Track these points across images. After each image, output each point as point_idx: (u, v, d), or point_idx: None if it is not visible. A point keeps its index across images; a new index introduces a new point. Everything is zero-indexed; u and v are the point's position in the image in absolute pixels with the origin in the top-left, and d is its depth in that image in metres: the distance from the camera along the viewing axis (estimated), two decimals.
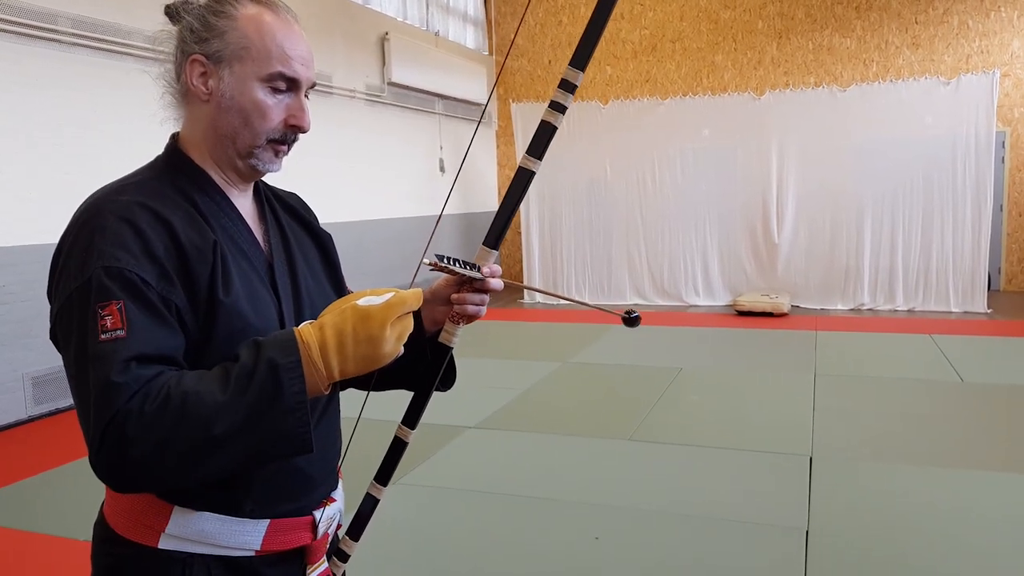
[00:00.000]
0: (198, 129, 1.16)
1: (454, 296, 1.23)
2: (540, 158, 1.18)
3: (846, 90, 8.82)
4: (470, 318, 1.23)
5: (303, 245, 1.29)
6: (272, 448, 1.01)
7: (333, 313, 1.05)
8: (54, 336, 1.09)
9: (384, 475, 1.27)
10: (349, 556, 1.30)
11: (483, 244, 1.19)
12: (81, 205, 1.10)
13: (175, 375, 1.00)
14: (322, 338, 1.02)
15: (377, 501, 1.27)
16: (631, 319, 1.27)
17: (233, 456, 0.99)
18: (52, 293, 1.08)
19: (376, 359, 1.04)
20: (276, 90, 1.14)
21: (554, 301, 10.06)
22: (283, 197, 1.34)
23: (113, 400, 0.96)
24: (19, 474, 4.13)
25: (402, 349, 1.07)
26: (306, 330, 1.03)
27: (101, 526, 1.17)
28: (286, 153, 1.19)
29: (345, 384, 1.28)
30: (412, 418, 1.26)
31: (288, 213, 1.31)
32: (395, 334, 1.04)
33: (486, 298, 1.22)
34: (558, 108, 1.17)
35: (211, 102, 1.14)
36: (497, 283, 1.21)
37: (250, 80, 1.12)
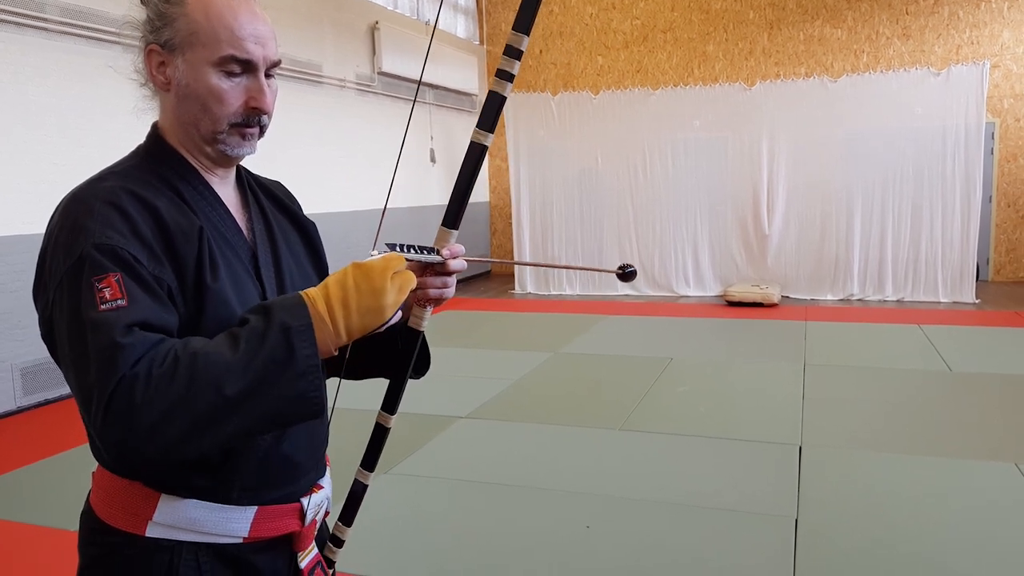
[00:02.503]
0: (168, 118, 1.17)
1: (417, 280, 1.21)
2: (491, 131, 1.16)
3: (837, 81, 8.83)
4: (437, 301, 1.22)
5: (287, 234, 1.29)
6: (284, 412, 0.99)
7: (335, 273, 1.06)
8: (47, 333, 1.06)
9: (369, 461, 1.29)
10: (344, 541, 1.32)
11: (442, 225, 1.17)
12: (64, 197, 1.09)
13: (180, 340, 0.99)
14: (327, 294, 1.03)
15: (365, 487, 1.29)
16: (626, 274, 1.28)
17: (243, 422, 0.97)
18: (41, 286, 1.06)
19: (379, 310, 1.04)
20: (231, 73, 1.12)
21: (545, 291, 10.07)
22: (267, 186, 1.33)
23: (119, 363, 0.94)
24: (8, 465, 4.11)
25: (400, 314, 1.07)
26: (311, 290, 1.04)
27: (88, 515, 1.17)
28: (256, 136, 1.17)
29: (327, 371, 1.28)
30: (391, 404, 1.27)
31: (272, 202, 1.31)
32: (395, 286, 1.05)
33: (449, 280, 1.21)
34: (505, 76, 1.14)
35: (171, 91, 1.13)
36: (459, 263, 1.20)
37: (202, 66, 1.11)
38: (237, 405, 0.95)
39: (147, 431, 0.92)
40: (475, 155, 1.17)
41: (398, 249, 1.09)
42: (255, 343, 0.97)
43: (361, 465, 1.28)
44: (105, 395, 0.93)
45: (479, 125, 1.17)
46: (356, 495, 1.29)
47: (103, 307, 0.97)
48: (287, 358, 0.97)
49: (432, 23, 10.29)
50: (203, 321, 1.07)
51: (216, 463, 1.11)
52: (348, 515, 1.31)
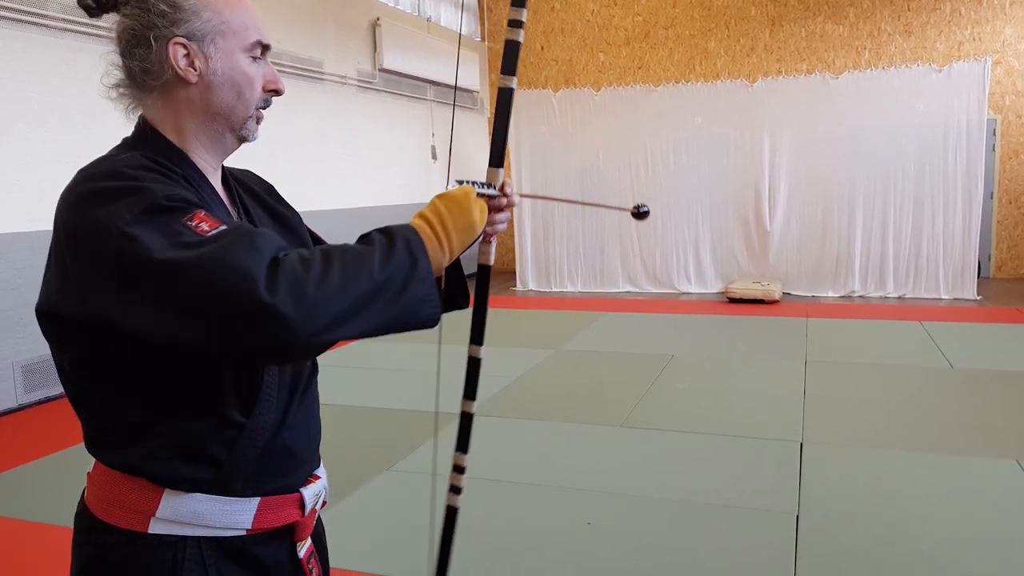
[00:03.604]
0: (177, 113, 1.15)
1: None
2: (514, 74, 1.33)
3: (838, 77, 8.82)
4: (495, 234, 1.36)
5: (264, 223, 1.31)
6: (412, 311, 1.05)
7: (424, 208, 1.16)
8: (82, 287, 0.98)
9: (470, 391, 1.48)
10: (464, 467, 1.51)
11: (489, 166, 1.33)
12: (77, 182, 1.06)
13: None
14: (427, 219, 1.13)
15: (471, 415, 1.49)
16: (640, 213, 1.43)
17: (384, 313, 1.01)
18: (76, 253, 1.00)
19: (471, 226, 1.15)
20: (255, 59, 1.16)
21: (546, 288, 10.07)
22: (240, 178, 1.34)
23: (263, 248, 0.94)
24: (10, 462, 4.12)
25: (482, 236, 1.26)
26: (410, 221, 1.13)
27: (84, 516, 1.17)
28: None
29: None
30: (479, 336, 1.46)
31: (247, 194, 1.32)
32: (477, 207, 1.17)
33: (506, 214, 1.33)
34: (516, 24, 1.31)
35: (200, 83, 1.12)
36: (515, 197, 1.32)
37: (236, 53, 1.14)
38: (382, 291, 1.00)
39: (313, 306, 0.93)
40: (506, 99, 1.35)
41: (468, 183, 1.22)
42: (385, 247, 1.04)
43: (464, 397, 1.47)
44: (260, 275, 0.91)
45: (503, 71, 1.34)
46: (465, 424, 1.49)
47: (209, 235, 0.95)
48: (412, 263, 1.04)
49: (432, 20, 10.28)
50: None
51: (221, 457, 1.12)
52: (463, 444, 1.51)
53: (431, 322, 1.07)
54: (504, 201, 1.30)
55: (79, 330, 1.04)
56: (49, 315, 1.07)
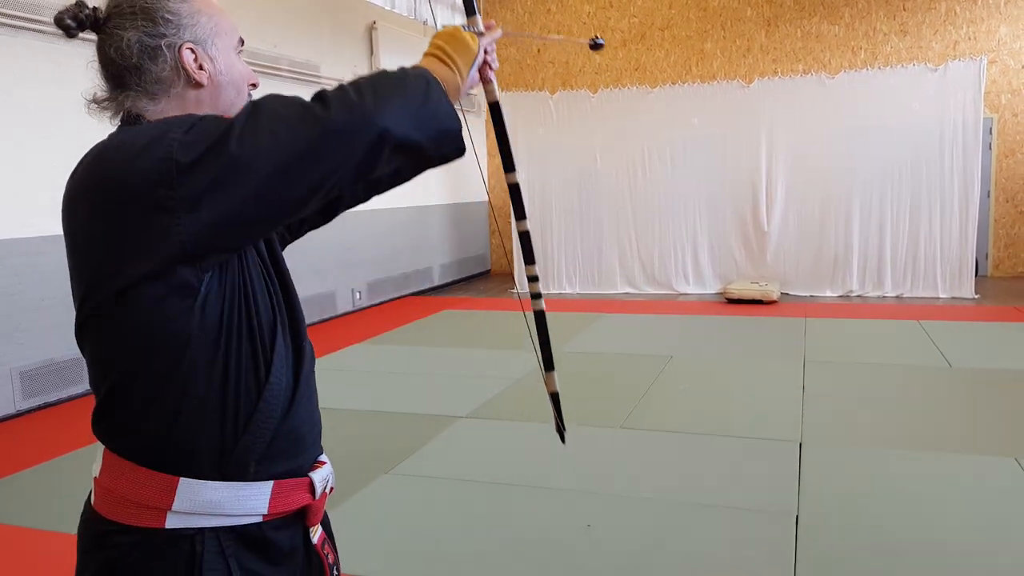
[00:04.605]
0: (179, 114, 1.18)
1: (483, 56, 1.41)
2: None
3: (834, 77, 8.83)
4: (491, 69, 1.44)
5: None
6: (439, 117, 1.14)
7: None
8: (165, 223, 1.02)
9: (519, 212, 1.65)
10: (537, 276, 1.75)
11: (467, 16, 1.45)
12: (102, 150, 1.12)
13: None
14: (430, 53, 1.24)
15: (528, 232, 1.67)
16: (596, 45, 1.61)
17: (415, 114, 1.11)
18: (136, 195, 1.04)
19: (467, 46, 1.25)
20: (238, 55, 1.24)
21: (544, 290, 10.03)
22: None
23: (289, 95, 1.07)
24: (8, 469, 4.11)
25: (476, 75, 1.33)
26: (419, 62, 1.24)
27: (94, 522, 1.16)
28: None
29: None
30: (508, 164, 1.60)
31: None
32: (467, 35, 1.28)
33: (493, 52, 1.42)
34: None
35: (210, 85, 1.18)
36: (497, 31, 1.40)
37: (230, 52, 1.21)
38: (409, 100, 1.11)
39: (365, 108, 1.05)
40: None
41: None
42: (400, 74, 1.14)
43: (515, 218, 1.66)
44: (309, 107, 1.04)
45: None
46: (526, 241, 1.68)
47: None
48: (426, 83, 1.15)
49: (428, 23, 10.29)
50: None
51: (237, 437, 1.13)
52: (529, 256, 1.69)
53: (456, 133, 1.17)
54: (489, 36, 1.38)
55: (155, 296, 1.06)
56: (119, 295, 1.06)
